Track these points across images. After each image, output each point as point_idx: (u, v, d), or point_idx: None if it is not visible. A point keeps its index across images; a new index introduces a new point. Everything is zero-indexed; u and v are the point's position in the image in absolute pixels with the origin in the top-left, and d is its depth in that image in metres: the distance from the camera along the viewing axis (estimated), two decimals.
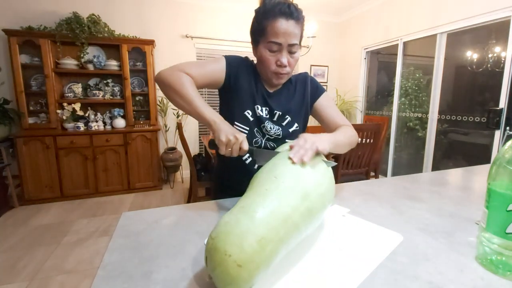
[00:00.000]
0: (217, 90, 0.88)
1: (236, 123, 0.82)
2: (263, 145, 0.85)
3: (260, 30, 0.75)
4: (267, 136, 0.85)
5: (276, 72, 0.78)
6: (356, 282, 0.44)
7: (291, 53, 0.76)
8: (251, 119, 0.82)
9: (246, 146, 0.65)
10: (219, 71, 0.80)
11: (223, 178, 0.96)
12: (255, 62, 0.87)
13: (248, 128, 0.82)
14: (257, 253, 0.39)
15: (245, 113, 0.82)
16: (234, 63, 0.82)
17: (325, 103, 0.90)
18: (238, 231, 0.40)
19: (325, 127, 0.90)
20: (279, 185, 0.48)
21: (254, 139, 0.83)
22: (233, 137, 0.63)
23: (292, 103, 0.87)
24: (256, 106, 0.83)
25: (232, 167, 0.90)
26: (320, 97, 0.90)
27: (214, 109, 0.71)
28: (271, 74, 0.79)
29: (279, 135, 0.85)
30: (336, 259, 0.51)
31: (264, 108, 0.84)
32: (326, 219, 0.68)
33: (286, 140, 0.85)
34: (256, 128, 0.83)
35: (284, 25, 0.72)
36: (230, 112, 0.83)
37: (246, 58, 0.86)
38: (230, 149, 0.64)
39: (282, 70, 0.77)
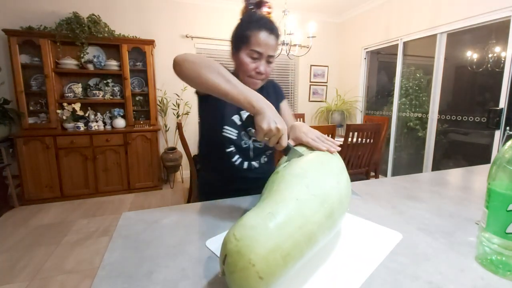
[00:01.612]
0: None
1: (225, 127, 0.87)
2: (251, 146, 0.91)
3: (244, 37, 0.81)
4: (253, 138, 0.91)
5: (252, 77, 0.84)
6: (358, 282, 0.44)
7: (268, 62, 0.84)
8: (239, 123, 0.88)
9: (284, 142, 0.61)
10: None
11: (210, 178, 0.98)
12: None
13: (236, 131, 0.88)
14: (280, 268, 0.38)
15: (233, 118, 0.87)
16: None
17: (286, 107, 1.00)
18: (266, 242, 0.38)
19: None
20: (310, 198, 0.46)
21: (243, 141, 0.90)
22: (275, 127, 0.58)
23: None
24: (241, 112, 0.89)
25: (219, 167, 0.92)
26: (283, 101, 1.00)
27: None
28: (247, 78, 0.84)
29: None
30: (336, 259, 0.51)
31: (248, 113, 0.87)
32: None
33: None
34: (243, 132, 0.89)
35: (266, 37, 0.80)
36: (219, 117, 0.86)
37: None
38: (267, 139, 0.60)
39: (259, 76, 0.84)
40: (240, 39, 0.82)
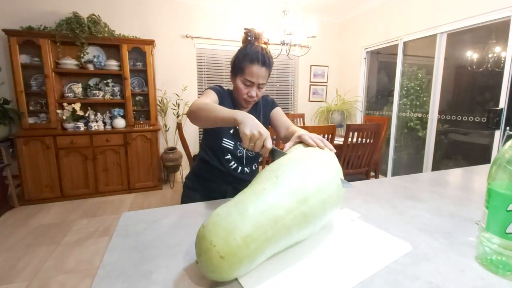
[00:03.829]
0: None
1: (224, 139, 1.02)
2: (244, 155, 1.07)
3: (239, 67, 0.96)
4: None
5: (245, 100, 1.00)
6: (354, 281, 0.44)
7: (259, 88, 0.99)
8: (235, 135, 1.03)
9: (269, 144, 0.65)
10: (216, 101, 0.98)
11: (203, 178, 1.10)
12: (225, 87, 1.08)
13: (233, 143, 1.03)
14: (240, 249, 0.41)
15: (230, 131, 1.03)
16: (219, 93, 1.01)
17: (278, 113, 1.10)
18: (226, 225, 0.42)
19: (278, 131, 1.08)
20: (277, 185, 0.48)
21: (238, 150, 1.05)
22: (257, 132, 0.64)
23: (261, 120, 1.08)
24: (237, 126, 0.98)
25: (217, 168, 1.04)
26: (274, 109, 1.11)
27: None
28: (241, 100, 1.01)
29: None
30: (335, 261, 0.51)
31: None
32: (333, 222, 0.67)
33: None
34: (238, 142, 1.04)
35: (258, 70, 0.94)
36: (218, 130, 1.02)
37: (222, 87, 1.06)
38: (253, 144, 0.65)
39: (251, 99, 0.99)
40: (237, 67, 0.97)
